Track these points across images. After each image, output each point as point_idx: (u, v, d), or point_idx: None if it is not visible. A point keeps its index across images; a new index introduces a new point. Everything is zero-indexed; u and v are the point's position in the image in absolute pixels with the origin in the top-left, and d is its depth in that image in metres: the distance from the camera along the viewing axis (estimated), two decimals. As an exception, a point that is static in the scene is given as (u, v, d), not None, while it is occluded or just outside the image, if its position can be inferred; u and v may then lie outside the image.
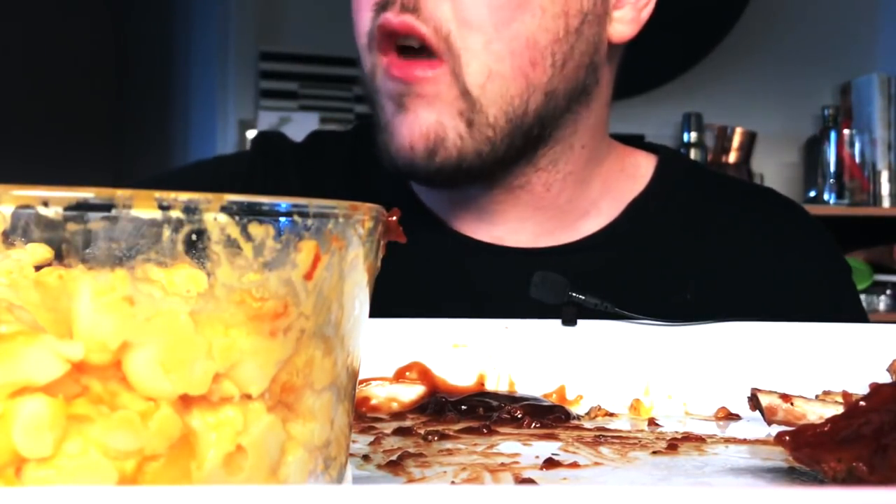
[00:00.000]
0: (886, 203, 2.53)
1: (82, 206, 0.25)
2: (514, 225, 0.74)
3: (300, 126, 2.41)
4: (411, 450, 0.44)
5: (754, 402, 0.45)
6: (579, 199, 0.75)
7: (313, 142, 0.84)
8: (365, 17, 0.68)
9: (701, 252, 0.75)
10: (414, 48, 0.66)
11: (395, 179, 0.75)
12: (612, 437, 0.48)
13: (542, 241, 0.74)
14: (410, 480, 0.40)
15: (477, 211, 0.74)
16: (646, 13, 0.72)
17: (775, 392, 0.45)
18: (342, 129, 0.90)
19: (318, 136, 0.85)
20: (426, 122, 0.66)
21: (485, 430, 0.48)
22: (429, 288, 0.72)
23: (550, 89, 0.68)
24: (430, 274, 0.73)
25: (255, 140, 0.86)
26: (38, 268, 0.26)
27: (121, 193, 0.26)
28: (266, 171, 0.80)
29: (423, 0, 0.65)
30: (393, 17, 0.65)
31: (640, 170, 0.79)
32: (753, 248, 0.76)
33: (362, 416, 0.52)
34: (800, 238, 0.78)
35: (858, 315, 0.77)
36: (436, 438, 0.47)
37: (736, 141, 2.66)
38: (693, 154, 2.54)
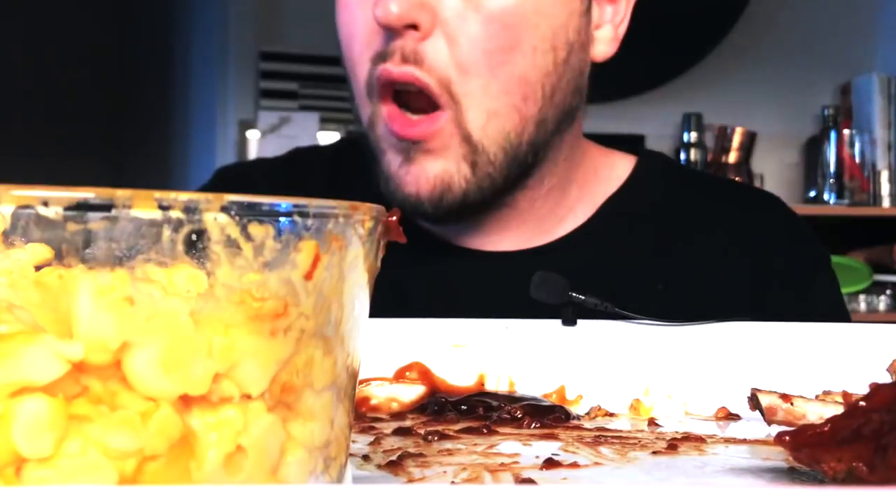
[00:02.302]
0: (886, 203, 2.52)
1: (82, 206, 0.25)
2: (495, 237, 0.75)
3: (300, 126, 2.41)
4: (411, 450, 0.44)
5: (754, 402, 0.45)
6: (558, 207, 0.76)
7: (292, 157, 0.85)
8: (363, 69, 0.68)
9: (676, 247, 0.76)
10: (411, 92, 0.67)
11: (377, 200, 0.76)
12: (612, 437, 0.48)
13: (519, 247, 0.75)
14: (410, 480, 0.40)
15: (459, 225, 0.74)
16: (622, 29, 0.73)
17: (775, 392, 0.45)
18: (339, 131, 0.90)
19: (297, 153, 0.86)
20: (432, 171, 0.67)
21: (485, 430, 0.48)
22: (404, 290, 0.73)
23: (541, 119, 0.69)
24: (406, 276, 0.73)
25: (217, 173, 0.86)
26: (38, 268, 0.26)
27: (121, 193, 0.26)
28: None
29: (424, 51, 0.65)
30: (394, 68, 0.65)
31: (615, 171, 0.79)
32: (730, 242, 0.76)
33: (362, 416, 0.52)
34: (779, 234, 0.78)
35: (838, 313, 0.76)
36: (436, 438, 0.47)
37: (736, 141, 2.66)
38: (693, 154, 2.54)
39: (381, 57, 0.66)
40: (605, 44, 0.73)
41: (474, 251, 0.75)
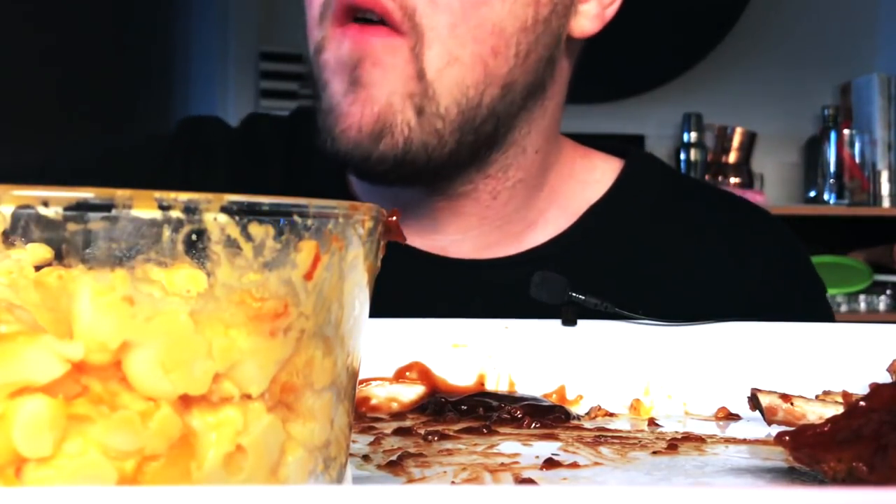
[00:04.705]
0: (886, 203, 2.53)
1: (82, 206, 0.25)
2: (455, 236, 0.69)
3: (300, 126, 2.41)
4: (411, 450, 0.44)
5: (754, 402, 0.45)
6: (527, 208, 0.70)
7: (249, 126, 0.79)
8: None
9: (664, 266, 0.70)
10: (373, 21, 0.61)
11: (334, 176, 0.72)
12: (612, 437, 0.48)
13: (485, 253, 0.69)
14: (410, 480, 0.40)
15: (417, 218, 0.69)
16: (610, 11, 0.68)
17: (775, 392, 0.45)
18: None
19: (253, 121, 0.80)
20: (377, 101, 0.61)
21: (485, 430, 0.48)
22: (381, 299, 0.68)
23: (509, 81, 0.63)
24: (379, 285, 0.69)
25: (180, 124, 0.79)
26: (38, 268, 0.26)
27: (121, 193, 0.26)
28: (187, 160, 0.75)
29: None
30: None
31: (594, 174, 0.73)
32: (724, 269, 0.71)
33: (362, 416, 0.52)
34: (769, 250, 0.73)
35: None
36: (436, 438, 0.47)
37: (736, 141, 2.66)
38: (693, 154, 2.55)
39: None
40: (588, 19, 0.67)
41: (438, 257, 0.69)
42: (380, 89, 0.61)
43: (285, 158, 0.75)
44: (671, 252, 0.71)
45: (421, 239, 0.69)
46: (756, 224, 0.75)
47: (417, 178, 0.65)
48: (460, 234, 0.69)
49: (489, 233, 0.69)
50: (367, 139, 0.61)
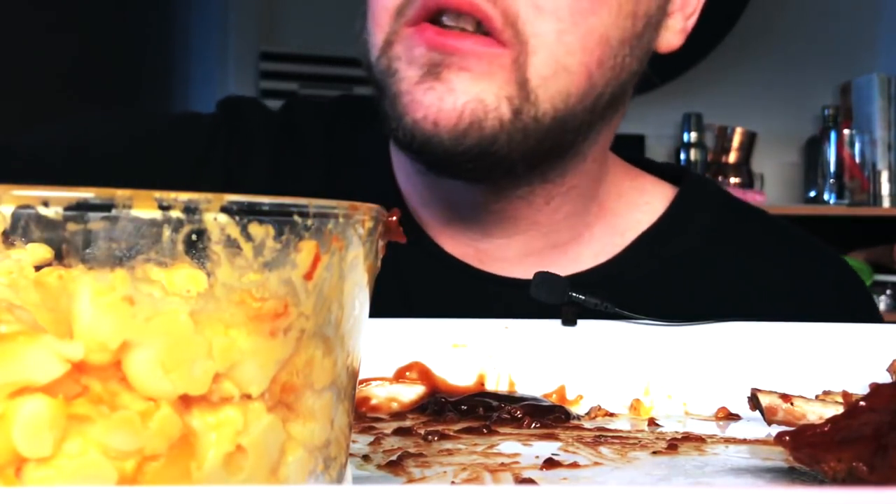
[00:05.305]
0: (886, 203, 2.53)
1: (82, 206, 0.25)
2: (501, 240, 0.66)
3: (300, 126, 2.41)
4: (411, 450, 0.44)
5: (754, 402, 0.45)
6: (576, 219, 0.67)
7: (288, 112, 0.75)
8: None
9: (711, 294, 0.67)
10: (459, 30, 0.57)
11: (379, 168, 0.69)
12: (612, 437, 0.48)
13: (528, 261, 0.67)
14: (410, 480, 0.40)
15: (464, 219, 0.66)
16: (691, 22, 0.66)
17: (775, 392, 0.45)
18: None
19: (293, 107, 0.75)
20: (463, 95, 0.56)
21: (485, 430, 0.48)
22: (405, 303, 0.65)
23: (602, 92, 0.61)
24: (405, 290, 0.66)
25: (222, 104, 0.75)
26: (38, 268, 0.26)
27: (121, 193, 0.26)
28: (229, 146, 0.72)
29: None
30: None
31: (644, 196, 0.71)
32: (771, 291, 0.68)
33: (362, 416, 0.52)
34: (825, 283, 0.70)
35: None
36: (436, 438, 0.47)
37: (736, 141, 2.66)
38: (693, 154, 2.55)
39: None
40: (673, 34, 0.65)
41: (484, 273, 0.66)
42: (466, 86, 0.57)
43: (326, 146, 0.72)
44: (724, 281, 0.69)
45: (462, 242, 0.67)
46: (813, 256, 0.73)
47: (492, 174, 0.61)
48: (506, 239, 0.66)
49: (535, 239, 0.67)
50: (449, 134, 0.57)
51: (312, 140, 0.72)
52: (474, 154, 0.58)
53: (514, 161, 0.60)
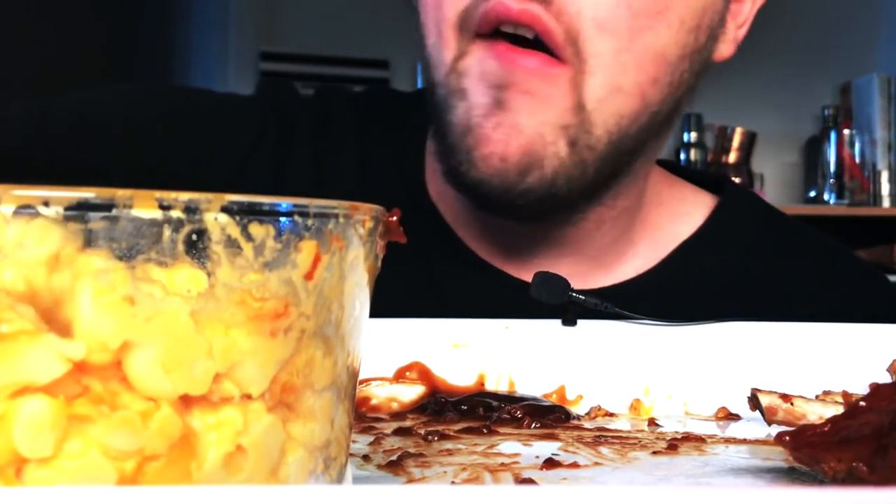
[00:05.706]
0: (886, 203, 2.53)
1: (82, 206, 0.25)
2: (546, 265, 0.64)
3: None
4: (411, 450, 0.44)
5: (754, 402, 0.45)
6: (623, 238, 0.65)
7: (322, 99, 0.72)
8: None
9: (751, 304, 0.66)
10: (523, 40, 0.55)
11: (412, 175, 0.67)
12: (612, 437, 0.48)
13: (573, 282, 0.61)
14: (410, 480, 0.40)
15: (506, 242, 0.64)
16: (742, 31, 0.65)
17: (775, 392, 0.45)
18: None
19: (327, 95, 0.73)
20: (526, 130, 0.55)
21: (485, 430, 0.48)
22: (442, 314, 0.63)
23: (657, 110, 0.59)
24: (446, 302, 0.65)
25: (263, 90, 0.73)
26: (38, 267, 0.26)
27: (121, 193, 0.26)
28: (279, 132, 0.69)
29: None
30: (513, 4, 0.54)
31: (684, 206, 0.69)
32: (810, 301, 0.67)
33: (362, 416, 0.52)
34: (864, 296, 0.68)
35: None
36: (436, 438, 0.47)
37: (736, 141, 2.66)
38: (693, 154, 2.55)
39: None
40: (727, 43, 0.64)
41: (522, 282, 0.63)
42: (529, 118, 0.55)
43: (359, 142, 0.70)
44: (764, 291, 0.68)
45: (502, 263, 0.65)
46: (855, 273, 0.71)
47: (548, 214, 0.60)
48: (549, 264, 0.64)
49: (580, 262, 0.65)
50: (513, 171, 0.55)
51: (347, 134, 0.70)
52: (536, 195, 0.56)
53: (575, 199, 0.59)
